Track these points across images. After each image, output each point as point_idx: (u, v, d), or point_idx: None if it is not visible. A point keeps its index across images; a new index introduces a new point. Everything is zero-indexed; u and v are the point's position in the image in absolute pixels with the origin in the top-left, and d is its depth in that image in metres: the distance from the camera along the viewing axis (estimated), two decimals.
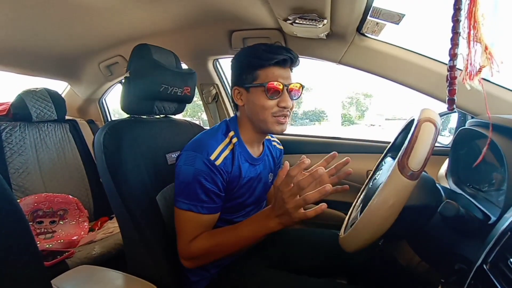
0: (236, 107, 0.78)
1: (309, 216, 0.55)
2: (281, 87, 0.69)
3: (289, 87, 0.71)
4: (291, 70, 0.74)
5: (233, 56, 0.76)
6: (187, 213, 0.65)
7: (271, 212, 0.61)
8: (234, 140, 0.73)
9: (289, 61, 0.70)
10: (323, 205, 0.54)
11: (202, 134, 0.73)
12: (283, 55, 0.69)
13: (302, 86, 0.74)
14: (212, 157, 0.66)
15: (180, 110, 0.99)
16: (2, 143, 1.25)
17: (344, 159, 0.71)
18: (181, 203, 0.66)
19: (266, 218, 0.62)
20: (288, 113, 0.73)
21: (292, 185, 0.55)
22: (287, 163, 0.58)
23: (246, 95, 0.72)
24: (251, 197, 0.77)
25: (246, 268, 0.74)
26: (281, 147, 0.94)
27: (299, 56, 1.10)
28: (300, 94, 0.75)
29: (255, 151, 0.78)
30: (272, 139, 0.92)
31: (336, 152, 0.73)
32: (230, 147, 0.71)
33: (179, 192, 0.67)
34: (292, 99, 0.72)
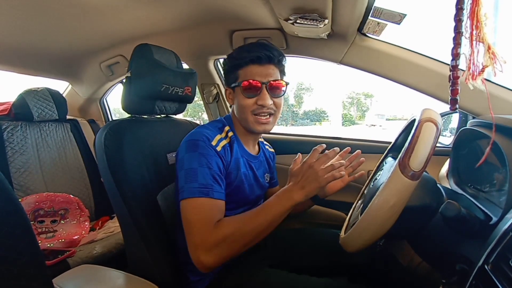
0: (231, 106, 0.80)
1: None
2: (257, 84, 0.69)
3: (268, 84, 0.70)
4: (278, 67, 0.72)
5: None
6: (200, 199, 0.61)
7: (293, 186, 0.62)
8: (230, 134, 0.74)
9: (266, 58, 0.69)
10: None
11: (198, 127, 0.74)
12: (258, 52, 0.68)
13: (286, 84, 0.73)
14: (213, 143, 0.67)
15: (181, 110, 0.99)
16: (4, 142, 1.26)
17: (356, 151, 0.78)
18: (189, 191, 0.61)
19: (289, 192, 0.62)
20: (271, 111, 0.72)
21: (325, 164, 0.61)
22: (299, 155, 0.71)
23: (233, 95, 0.75)
24: (247, 194, 0.77)
25: (246, 268, 0.74)
26: (273, 150, 0.96)
27: (300, 56, 1.10)
28: (284, 92, 0.74)
29: (251, 149, 0.80)
30: (264, 142, 0.93)
31: (349, 147, 0.78)
32: (227, 139, 0.73)
33: (187, 181, 0.62)
34: (274, 97, 0.71)
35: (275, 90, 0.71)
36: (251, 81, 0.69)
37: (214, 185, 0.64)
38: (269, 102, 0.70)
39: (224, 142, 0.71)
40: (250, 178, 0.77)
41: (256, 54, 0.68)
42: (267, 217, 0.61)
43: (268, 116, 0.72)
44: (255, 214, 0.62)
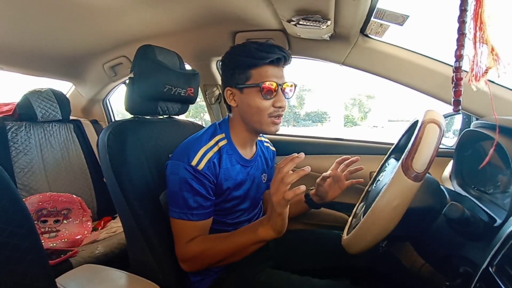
0: (229, 108, 0.77)
1: (287, 197, 0.54)
2: (275, 86, 0.69)
3: (283, 86, 0.70)
4: (284, 69, 0.73)
5: None
6: (179, 221, 0.67)
7: (265, 220, 0.63)
8: (222, 143, 0.73)
9: (283, 60, 0.70)
10: (305, 171, 0.55)
11: (186, 140, 0.73)
12: (277, 53, 0.68)
13: (295, 85, 0.74)
14: (194, 163, 0.66)
15: (183, 111, 1.00)
16: (8, 142, 1.27)
17: (355, 157, 0.82)
18: (172, 212, 0.68)
19: (259, 225, 0.63)
20: (283, 113, 0.73)
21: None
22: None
23: (239, 95, 0.71)
24: (245, 198, 0.78)
25: (249, 268, 0.74)
26: (274, 149, 0.94)
27: (303, 57, 1.10)
28: (293, 94, 0.75)
29: (247, 152, 0.78)
30: (264, 140, 0.92)
31: (348, 156, 0.82)
32: (215, 149, 0.71)
33: (170, 201, 0.68)
34: (286, 98, 0.72)
35: (287, 91, 0.72)
36: (271, 82, 0.68)
37: (196, 207, 0.67)
38: (285, 103, 0.71)
39: (210, 154, 0.69)
40: (247, 182, 0.77)
41: (276, 56, 0.68)
42: (233, 247, 0.65)
43: (279, 117, 0.72)
44: (224, 239, 0.67)
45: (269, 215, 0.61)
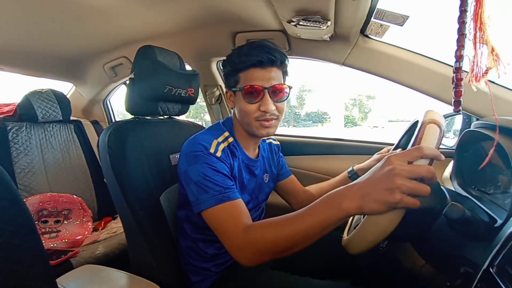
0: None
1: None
2: (259, 89, 0.66)
3: (271, 89, 0.66)
4: (280, 69, 0.69)
5: None
6: (218, 207, 0.59)
7: (351, 189, 0.46)
8: (230, 139, 0.72)
9: (268, 62, 0.65)
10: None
11: (194, 136, 0.71)
12: (259, 56, 0.65)
13: (289, 87, 0.70)
14: (211, 150, 0.65)
15: (183, 111, 1.00)
16: (9, 143, 1.27)
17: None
18: (205, 202, 0.60)
19: (341, 196, 0.46)
20: (274, 117, 0.69)
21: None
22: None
23: (234, 97, 0.72)
24: (248, 198, 0.77)
25: (249, 269, 0.74)
26: (277, 143, 0.94)
27: (303, 57, 1.09)
28: (286, 97, 0.70)
29: (251, 153, 0.78)
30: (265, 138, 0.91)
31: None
32: (225, 143, 0.70)
33: (200, 193, 0.60)
34: (276, 101, 0.68)
35: (277, 94, 0.68)
36: (253, 85, 0.66)
37: (227, 188, 0.61)
38: (272, 107, 0.67)
39: (222, 145, 0.68)
40: (252, 182, 0.77)
41: (257, 58, 0.65)
42: (301, 225, 0.49)
43: (269, 121, 0.69)
44: (293, 219, 0.51)
45: (368, 188, 0.43)
